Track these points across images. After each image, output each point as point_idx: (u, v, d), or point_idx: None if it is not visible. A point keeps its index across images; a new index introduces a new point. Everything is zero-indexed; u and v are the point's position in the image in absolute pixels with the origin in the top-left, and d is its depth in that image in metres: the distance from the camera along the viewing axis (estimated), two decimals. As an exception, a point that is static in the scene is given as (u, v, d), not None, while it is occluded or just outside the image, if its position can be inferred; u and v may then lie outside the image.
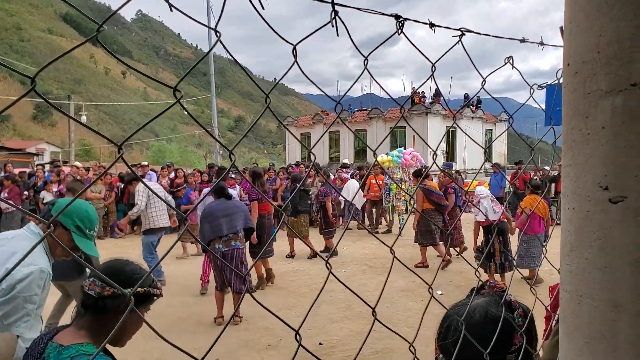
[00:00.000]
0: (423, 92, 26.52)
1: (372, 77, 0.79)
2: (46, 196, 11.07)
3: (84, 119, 32.25)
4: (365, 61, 0.76)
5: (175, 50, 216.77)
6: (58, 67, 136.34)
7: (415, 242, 8.38)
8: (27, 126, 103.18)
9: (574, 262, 0.81)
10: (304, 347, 0.78)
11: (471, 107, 27.45)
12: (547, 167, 13.79)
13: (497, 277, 6.59)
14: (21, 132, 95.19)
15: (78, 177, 10.63)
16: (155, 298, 1.57)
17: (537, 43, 1.03)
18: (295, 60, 0.68)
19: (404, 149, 13.50)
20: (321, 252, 9.36)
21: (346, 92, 0.90)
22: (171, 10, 0.56)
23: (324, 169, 13.87)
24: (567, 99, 0.79)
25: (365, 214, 12.63)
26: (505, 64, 0.97)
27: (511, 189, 14.69)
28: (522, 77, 1.02)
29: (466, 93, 26.50)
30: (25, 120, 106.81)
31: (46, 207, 2.39)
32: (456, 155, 26.62)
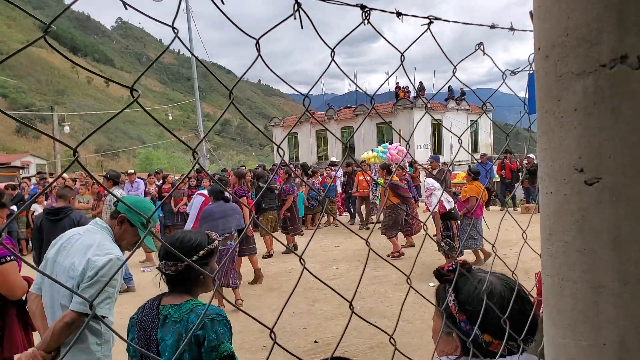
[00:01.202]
0: (407, 86, 26.61)
1: (340, 68, 0.78)
2: (37, 208, 10.94)
3: (67, 129, 31.88)
4: (332, 53, 0.76)
5: (156, 56, 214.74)
6: (40, 79, 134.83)
7: (382, 234, 8.72)
8: (10, 140, 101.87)
9: (554, 245, 0.81)
10: (279, 345, 0.78)
11: (456, 99, 27.61)
12: (532, 155, 13.90)
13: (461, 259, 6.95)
14: (5, 146, 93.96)
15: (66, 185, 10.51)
16: (215, 249, 1.94)
17: (507, 28, 1.03)
18: (259, 55, 0.67)
19: (389, 144, 13.54)
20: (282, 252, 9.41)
21: (315, 84, 0.89)
22: (126, 9, 0.55)
23: (312, 168, 13.85)
24: (540, 83, 0.79)
25: (357, 211, 12.64)
26: (476, 50, 0.97)
27: (498, 179, 14.82)
28: (495, 63, 1.03)
29: (450, 86, 26.61)
30: (8, 134, 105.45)
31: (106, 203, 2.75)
32: (443, 148, 26.76)
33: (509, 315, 1.06)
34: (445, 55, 0.92)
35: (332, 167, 14.17)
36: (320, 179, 13.54)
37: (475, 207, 7.26)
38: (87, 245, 2.25)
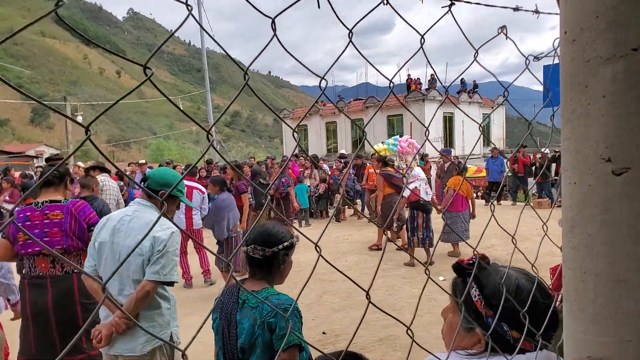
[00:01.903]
0: (419, 78, 26.40)
1: (358, 49, 0.75)
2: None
3: (79, 119, 32.13)
4: (350, 34, 0.73)
5: (168, 47, 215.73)
6: (53, 70, 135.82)
7: (378, 225, 8.64)
8: (25, 130, 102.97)
9: (576, 238, 0.78)
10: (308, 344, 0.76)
11: (469, 92, 27.35)
12: (545, 150, 13.74)
13: (419, 250, 7.59)
14: (20, 135, 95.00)
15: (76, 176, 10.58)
16: (295, 245, 2.10)
17: (531, 11, 0.99)
18: (275, 34, 0.65)
19: (400, 136, 13.45)
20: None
21: (332, 65, 0.86)
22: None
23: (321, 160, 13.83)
24: (565, 69, 0.76)
25: (365, 203, 12.61)
26: (499, 34, 0.93)
27: (510, 174, 14.66)
28: (517, 48, 0.99)
29: (462, 78, 26.36)
30: (23, 124, 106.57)
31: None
32: (454, 141, 26.56)
33: (537, 311, 1.05)
34: (467, 38, 0.88)
35: (341, 160, 14.14)
36: (330, 172, 13.52)
37: (450, 201, 7.61)
38: (146, 223, 2.50)
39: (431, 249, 7.44)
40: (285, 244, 2.00)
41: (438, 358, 1.04)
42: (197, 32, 20.68)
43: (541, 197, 13.45)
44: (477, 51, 0.91)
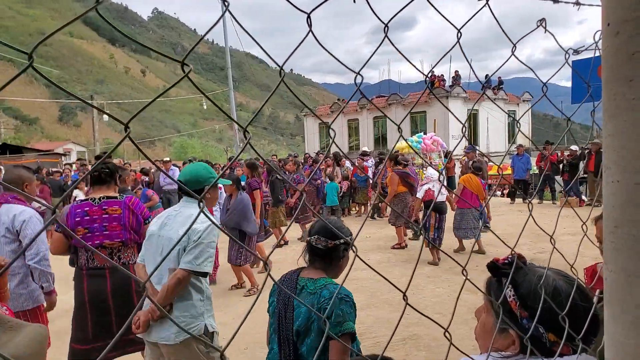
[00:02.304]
0: (442, 75, 26.11)
1: (393, 43, 0.73)
2: (79, 194, 11.28)
3: (105, 117, 32.82)
4: (386, 28, 0.71)
5: (191, 45, 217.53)
6: (81, 69, 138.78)
7: (389, 223, 8.80)
8: (54, 128, 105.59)
9: (620, 239, 0.75)
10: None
11: (493, 89, 26.93)
12: (574, 147, 13.41)
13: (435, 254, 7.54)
14: (49, 133, 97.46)
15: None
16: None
17: (572, 3, 0.96)
18: (310, 30, 0.63)
19: (424, 134, 13.31)
20: (298, 239, 9.44)
21: (368, 59, 0.84)
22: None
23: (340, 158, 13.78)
24: (608, 63, 0.73)
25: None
26: (537, 27, 0.90)
27: (538, 171, 14.38)
28: (557, 42, 0.95)
29: (487, 74, 25.97)
30: (51, 122, 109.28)
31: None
32: (479, 139, 26.21)
33: (576, 314, 1.01)
34: (505, 33, 0.86)
35: (363, 157, 14.07)
36: (352, 169, 13.47)
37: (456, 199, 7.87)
38: (188, 216, 2.66)
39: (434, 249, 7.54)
40: (349, 238, 2.07)
41: (472, 359, 1.01)
42: (221, 31, 20.82)
43: (569, 196, 13.16)
44: (515, 45, 0.89)
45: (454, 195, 8.06)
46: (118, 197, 3.35)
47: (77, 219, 3.21)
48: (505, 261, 1.12)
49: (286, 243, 9.25)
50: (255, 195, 7.49)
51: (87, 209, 3.24)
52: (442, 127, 23.53)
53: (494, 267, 1.12)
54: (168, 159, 13.78)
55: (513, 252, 1.07)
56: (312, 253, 2.12)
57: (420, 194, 7.64)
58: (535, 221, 1.06)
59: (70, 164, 17.66)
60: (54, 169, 17.24)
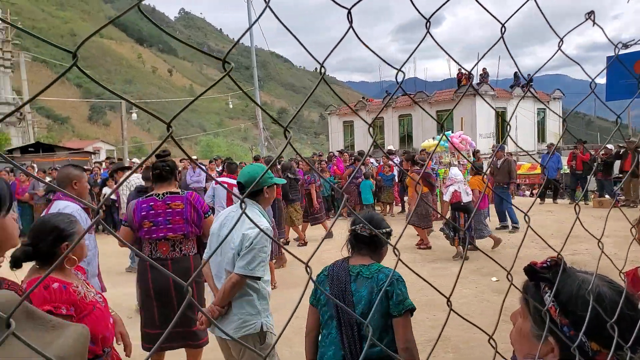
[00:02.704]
0: (470, 72, 25.71)
1: (435, 39, 0.70)
2: (107, 191, 11.50)
3: (134, 117, 33.46)
4: (428, 24, 0.68)
5: (217, 45, 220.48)
6: (110, 69, 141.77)
7: (410, 224, 8.72)
8: (84, 127, 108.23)
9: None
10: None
11: (522, 86, 26.40)
12: (610, 146, 13.01)
13: (459, 248, 7.65)
14: (79, 132, 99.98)
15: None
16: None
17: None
18: (351, 26, 0.60)
19: (452, 132, 13.12)
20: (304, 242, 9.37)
21: (411, 55, 0.81)
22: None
23: (355, 157, 13.72)
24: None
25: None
26: (586, 20, 0.84)
27: (568, 170, 14.01)
28: (606, 35, 0.90)
29: (516, 72, 25.46)
30: (82, 121, 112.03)
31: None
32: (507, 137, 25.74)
33: (623, 322, 0.95)
34: (550, 25, 0.81)
35: (390, 156, 13.97)
36: (377, 168, 13.40)
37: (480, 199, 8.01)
38: (242, 221, 2.69)
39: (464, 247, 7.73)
40: (388, 229, 2.34)
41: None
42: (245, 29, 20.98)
43: (601, 196, 12.78)
44: (562, 40, 0.84)
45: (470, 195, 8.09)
46: (180, 193, 3.61)
47: (142, 214, 3.46)
48: (544, 265, 1.06)
49: (305, 244, 9.23)
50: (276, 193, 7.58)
51: (152, 203, 3.49)
52: (470, 126, 23.19)
53: (531, 271, 1.07)
54: (195, 157, 13.95)
55: (559, 256, 1.02)
56: (357, 241, 2.30)
57: (447, 197, 7.72)
58: (582, 224, 1.01)
59: (100, 163, 18.03)
60: (84, 167, 17.63)
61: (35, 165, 14.57)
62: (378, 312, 2.11)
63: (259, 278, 2.71)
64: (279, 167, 9.14)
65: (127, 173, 3.91)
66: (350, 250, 2.36)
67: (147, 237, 3.48)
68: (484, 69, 26.06)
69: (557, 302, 1.00)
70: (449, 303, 0.80)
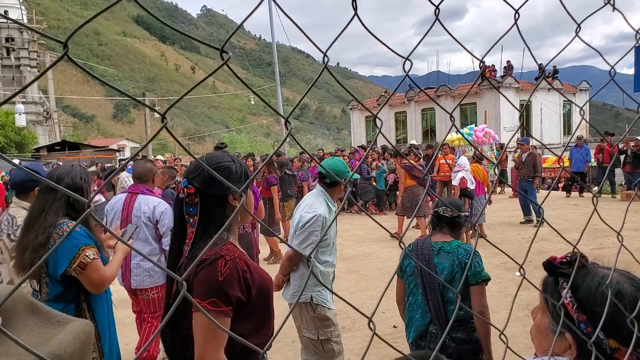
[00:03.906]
0: (493, 65, 25.31)
1: (443, 26, 0.70)
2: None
3: (157, 114, 33.94)
4: (437, 10, 0.68)
5: (239, 42, 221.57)
6: (133, 68, 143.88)
7: (395, 213, 9.28)
8: (108, 125, 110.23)
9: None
10: (377, 335, 0.73)
11: (548, 77, 25.86)
12: (640, 137, 12.64)
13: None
14: (104, 130, 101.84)
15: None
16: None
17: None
18: (356, 13, 0.61)
19: (475, 125, 12.95)
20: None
21: (422, 38, 0.81)
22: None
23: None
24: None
25: (437, 195, 12.30)
26: (605, 5, 0.83)
27: (596, 164, 13.68)
28: (627, 21, 0.88)
29: (541, 63, 24.91)
30: (107, 119, 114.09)
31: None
32: (532, 130, 25.27)
33: (634, 317, 0.93)
34: (567, 11, 0.80)
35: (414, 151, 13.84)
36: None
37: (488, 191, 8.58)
38: (304, 205, 3.17)
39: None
40: (466, 213, 2.77)
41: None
42: (268, 26, 21.02)
43: (630, 189, 12.45)
44: (579, 25, 0.83)
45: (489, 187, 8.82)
46: None
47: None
48: (563, 260, 1.05)
49: None
50: (273, 191, 7.72)
51: None
52: (494, 119, 22.84)
53: (550, 267, 1.06)
54: (217, 153, 14.06)
55: (576, 250, 1.01)
56: (440, 221, 2.67)
57: (456, 182, 8.42)
58: (600, 216, 1.00)
59: (125, 160, 18.37)
60: (108, 164, 17.99)
61: (61, 163, 14.94)
62: (458, 281, 2.46)
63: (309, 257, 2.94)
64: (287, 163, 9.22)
65: (115, 171, 4.00)
66: (431, 229, 2.76)
67: None
68: (508, 62, 25.60)
69: (575, 299, 0.99)
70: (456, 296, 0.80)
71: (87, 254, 2.29)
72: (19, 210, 2.82)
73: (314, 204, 3.10)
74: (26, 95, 29.36)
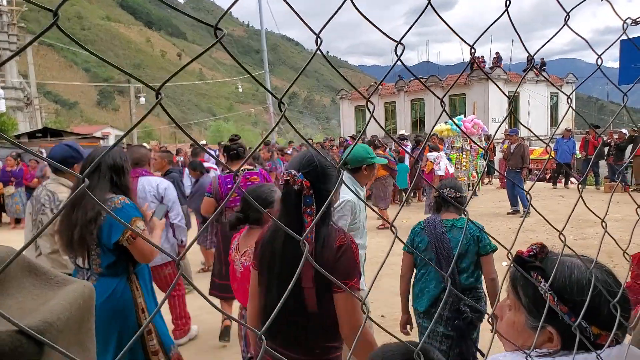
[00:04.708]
0: (482, 56, 25.36)
1: (438, 14, 0.66)
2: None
3: (142, 100, 33.52)
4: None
5: (227, 28, 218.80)
6: (118, 53, 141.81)
7: (373, 205, 9.47)
8: (92, 112, 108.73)
9: None
10: (370, 319, 0.69)
11: (534, 70, 26.00)
12: (624, 130, 12.81)
13: None
14: (87, 117, 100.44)
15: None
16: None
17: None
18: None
19: (464, 116, 12.98)
20: None
21: (413, 24, 0.77)
22: None
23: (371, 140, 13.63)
24: None
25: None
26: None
27: (581, 156, 13.82)
28: (615, 11, 0.85)
29: (530, 55, 25.04)
30: (90, 106, 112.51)
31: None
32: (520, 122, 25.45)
33: (617, 302, 0.95)
34: (559, 2, 0.77)
35: (402, 141, 13.87)
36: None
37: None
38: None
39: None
40: (465, 194, 3.03)
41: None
42: (256, 13, 20.80)
43: (613, 180, 12.63)
44: (568, 14, 0.80)
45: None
46: (254, 169, 4.45)
47: (228, 187, 4.18)
48: (530, 253, 1.03)
49: None
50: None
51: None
52: (482, 110, 22.94)
53: (520, 261, 1.04)
54: (204, 142, 13.97)
55: (561, 237, 1.00)
56: (445, 201, 2.99)
57: (442, 171, 9.05)
58: (585, 204, 0.99)
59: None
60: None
61: (43, 150, 14.69)
62: (471, 252, 2.82)
63: None
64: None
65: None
66: (435, 208, 3.09)
67: (233, 205, 4.10)
68: (497, 53, 25.70)
69: (553, 290, 0.97)
70: (446, 280, 0.78)
71: (138, 225, 2.54)
72: (57, 187, 2.99)
73: (342, 189, 3.13)
74: (5, 80, 28.68)
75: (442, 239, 2.84)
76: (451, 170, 9.32)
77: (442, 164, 9.20)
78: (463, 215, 2.72)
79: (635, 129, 12.63)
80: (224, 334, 4.27)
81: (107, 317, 2.45)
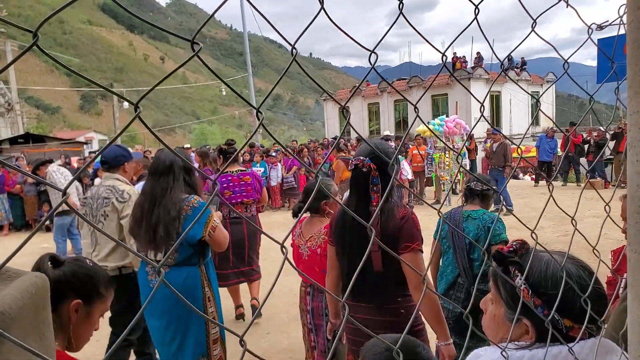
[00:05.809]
0: (464, 56, 25.62)
1: (407, 20, 0.72)
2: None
3: (125, 105, 33.17)
4: (401, 5, 0.69)
5: (210, 32, 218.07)
6: (100, 57, 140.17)
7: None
8: (75, 117, 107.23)
9: (645, 219, 0.73)
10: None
11: (515, 69, 26.38)
12: (602, 128, 13.06)
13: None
14: (70, 122, 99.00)
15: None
16: None
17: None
18: (322, 7, 0.62)
19: (447, 116, 13.12)
20: None
21: (385, 34, 0.83)
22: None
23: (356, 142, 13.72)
24: (633, 37, 0.70)
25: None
26: (559, 1, 0.86)
27: (560, 154, 14.05)
28: (579, 16, 0.92)
29: (510, 56, 25.36)
30: (73, 111, 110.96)
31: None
32: (501, 121, 25.77)
33: (589, 296, 0.98)
34: (524, 7, 0.83)
35: (387, 141, 13.96)
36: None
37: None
38: None
39: None
40: (494, 187, 2.91)
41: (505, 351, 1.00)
42: (239, 16, 20.75)
43: (593, 177, 12.88)
44: (535, 21, 0.86)
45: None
46: (247, 170, 4.99)
47: (224, 185, 4.70)
48: (510, 249, 1.09)
49: None
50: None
51: (230, 178, 4.75)
52: (465, 110, 23.18)
53: (500, 257, 1.10)
54: (189, 145, 13.94)
55: (533, 235, 1.05)
56: (471, 193, 3.18)
57: (409, 176, 10.17)
58: (556, 202, 1.04)
59: (93, 153, 17.94)
60: (75, 157, 17.55)
61: (24, 157, 14.50)
62: (482, 241, 2.95)
63: None
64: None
65: (89, 162, 3.99)
66: (464, 200, 3.29)
67: (239, 199, 4.75)
68: (478, 53, 25.98)
69: (528, 284, 1.03)
70: (423, 281, 0.82)
71: (214, 219, 2.81)
72: (114, 182, 3.32)
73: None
74: (-15, 85, 28.21)
75: (457, 228, 3.07)
76: (411, 175, 10.62)
77: (407, 167, 10.26)
78: (481, 208, 3.16)
79: (618, 126, 12.91)
80: (238, 319, 4.79)
81: (177, 299, 2.66)
